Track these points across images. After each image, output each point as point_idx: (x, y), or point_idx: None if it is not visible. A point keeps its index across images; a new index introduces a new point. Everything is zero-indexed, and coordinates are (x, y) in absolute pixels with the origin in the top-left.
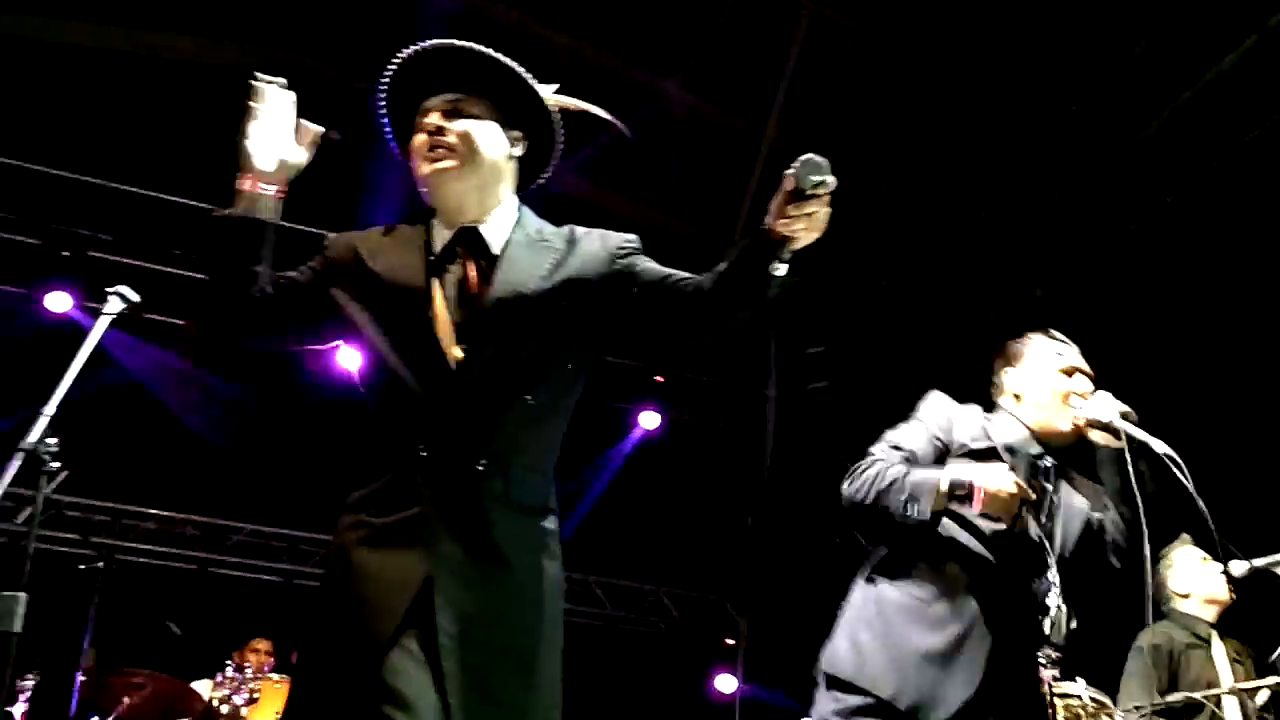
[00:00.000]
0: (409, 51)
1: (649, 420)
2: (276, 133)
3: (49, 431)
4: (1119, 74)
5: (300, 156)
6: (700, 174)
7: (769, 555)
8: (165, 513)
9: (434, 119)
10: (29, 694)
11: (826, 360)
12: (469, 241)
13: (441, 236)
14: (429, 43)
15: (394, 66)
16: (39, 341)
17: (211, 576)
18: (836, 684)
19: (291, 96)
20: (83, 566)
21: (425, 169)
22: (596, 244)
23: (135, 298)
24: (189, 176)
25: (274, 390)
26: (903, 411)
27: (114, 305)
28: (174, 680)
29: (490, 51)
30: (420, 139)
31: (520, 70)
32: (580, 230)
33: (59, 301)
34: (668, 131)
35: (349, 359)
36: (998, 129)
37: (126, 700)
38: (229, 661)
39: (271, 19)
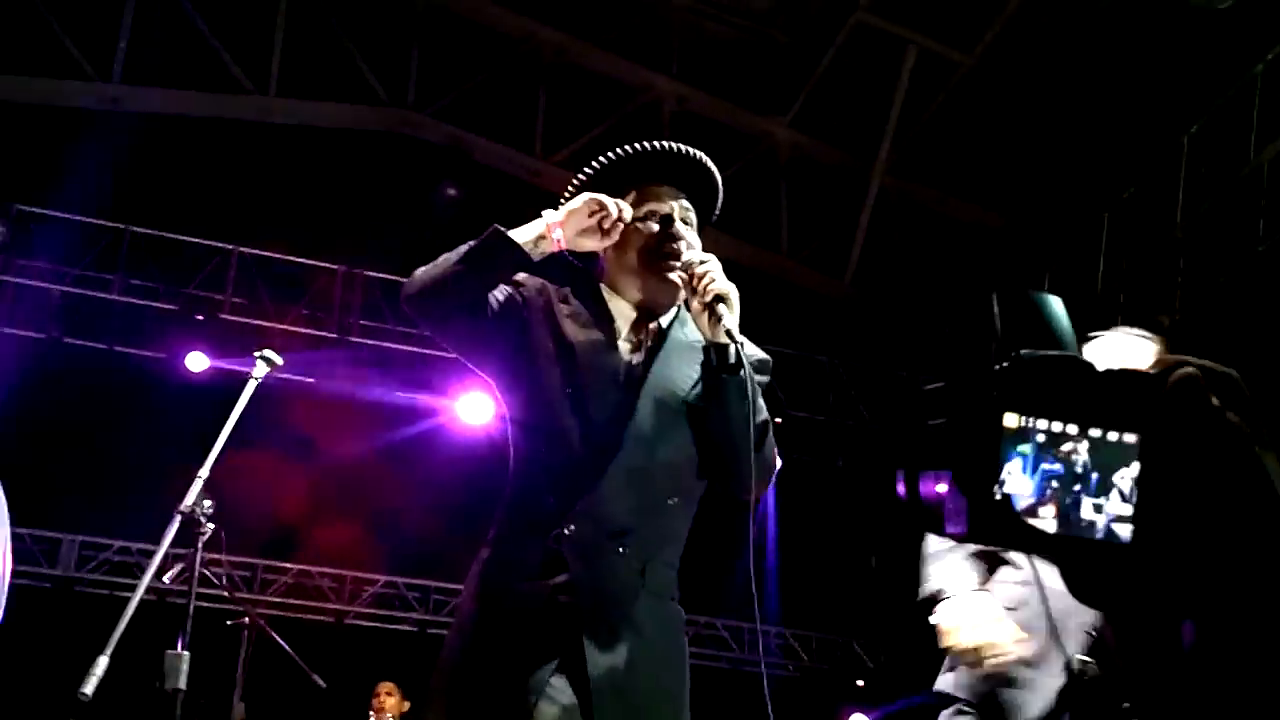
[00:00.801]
0: (650, 146)
1: None
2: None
3: (204, 494)
4: (1240, 95)
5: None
6: (810, 213)
7: (895, 595)
8: (301, 566)
9: (683, 228)
10: None
11: (945, 396)
12: (647, 332)
13: (622, 318)
14: (683, 148)
15: (625, 153)
16: (180, 402)
17: (347, 628)
18: None
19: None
20: (230, 622)
21: (663, 273)
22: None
23: (279, 360)
24: (317, 238)
25: (405, 447)
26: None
27: (260, 369)
28: None
29: (713, 167)
30: (664, 241)
31: (720, 193)
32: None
33: (197, 363)
34: (775, 172)
35: (471, 415)
36: (1116, 156)
37: None
38: (371, 713)
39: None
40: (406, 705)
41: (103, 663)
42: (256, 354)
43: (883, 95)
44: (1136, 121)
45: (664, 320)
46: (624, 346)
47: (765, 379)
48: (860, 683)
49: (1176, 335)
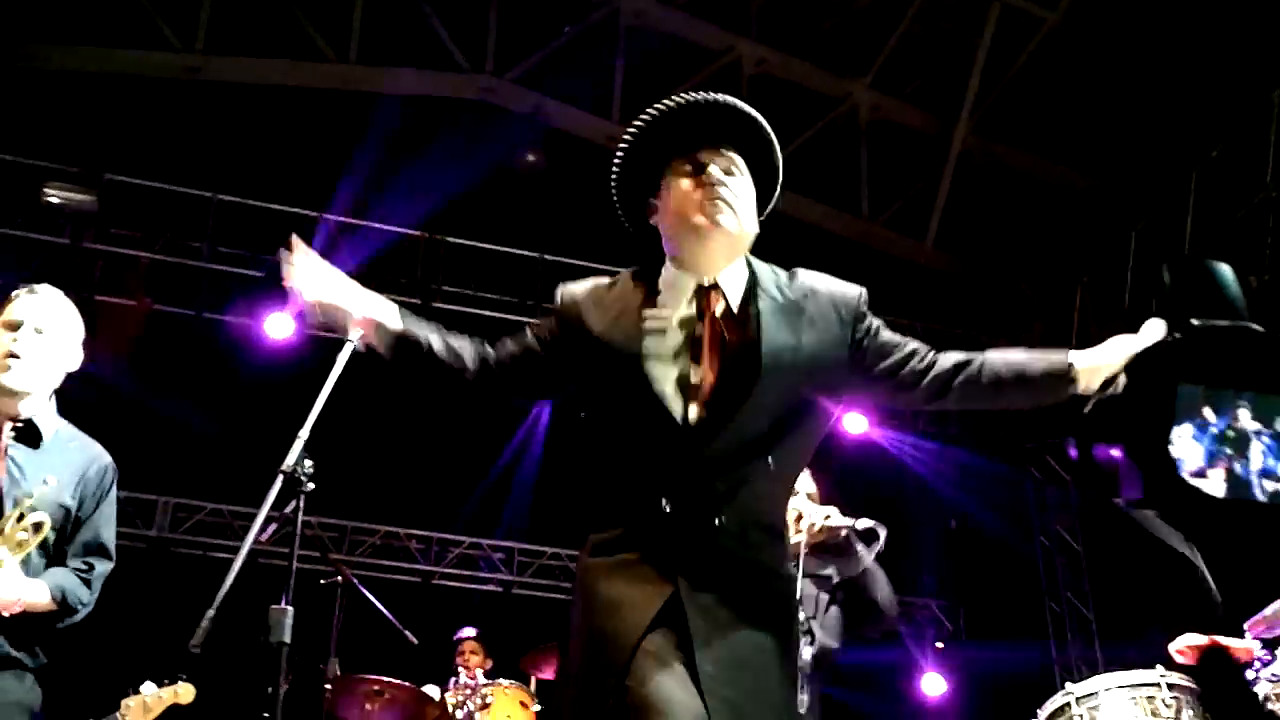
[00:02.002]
0: (680, 100)
1: (855, 425)
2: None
3: (304, 454)
4: None
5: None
6: (891, 176)
7: (975, 556)
8: (390, 528)
9: (716, 173)
10: (276, 702)
11: None
12: (712, 299)
13: (679, 291)
14: (703, 95)
15: (658, 111)
16: (267, 368)
17: (435, 588)
18: None
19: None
20: (323, 581)
21: (699, 219)
22: (828, 306)
23: None
24: (398, 205)
25: (487, 412)
26: (1108, 409)
27: (356, 333)
28: (410, 687)
29: (757, 115)
30: (697, 190)
31: (772, 137)
32: (809, 282)
33: (280, 327)
34: (856, 134)
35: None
36: (1204, 114)
37: (368, 706)
38: (459, 669)
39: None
40: (489, 663)
41: (209, 617)
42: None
43: (965, 54)
44: (1224, 78)
45: (732, 281)
46: (687, 317)
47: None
48: (940, 644)
49: (1266, 295)
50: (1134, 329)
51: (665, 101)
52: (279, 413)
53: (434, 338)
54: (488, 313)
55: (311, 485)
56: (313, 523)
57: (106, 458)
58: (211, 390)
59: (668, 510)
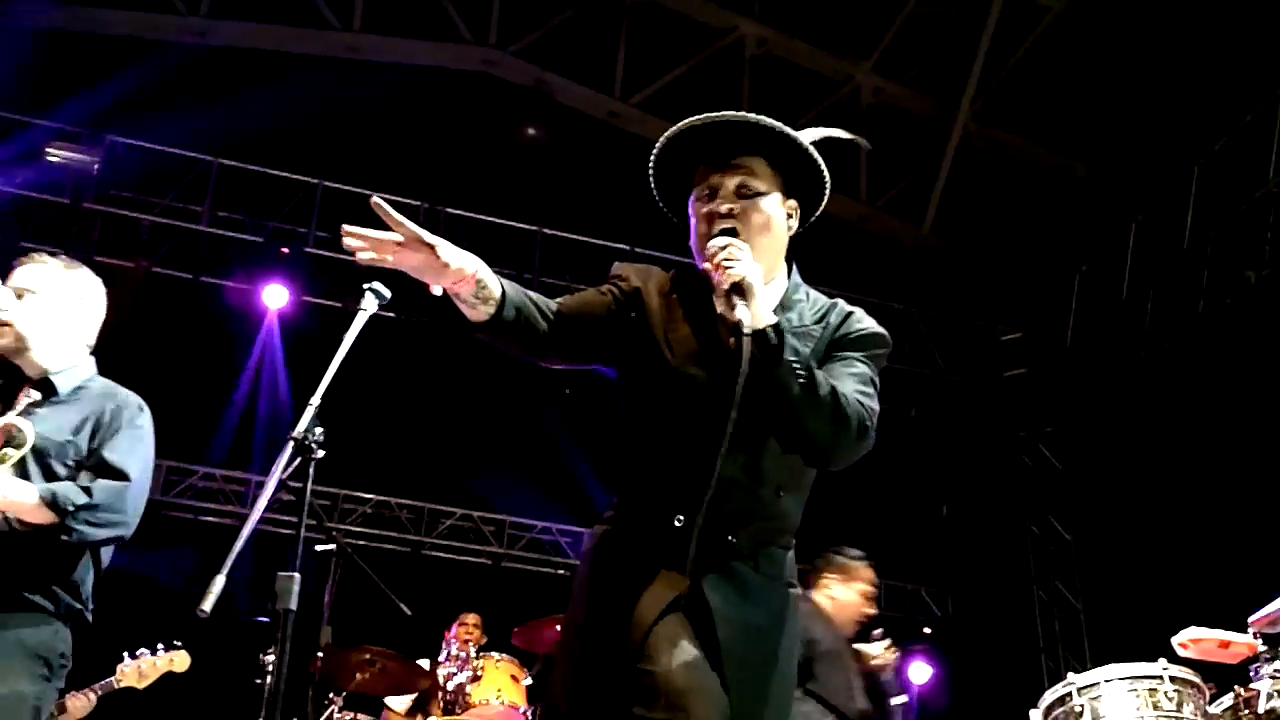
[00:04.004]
0: (699, 119)
1: None
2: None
3: (315, 421)
4: None
5: (422, 236)
6: (891, 159)
7: (965, 543)
8: (381, 497)
9: (725, 202)
10: (271, 669)
11: (1023, 347)
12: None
13: (714, 302)
14: (723, 115)
15: (678, 130)
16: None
17: (424, 559)
18: None
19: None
20: (319, 549)
21: (707, 264)
22: (843, 333)
23: (388, 294)
24: (399, 174)
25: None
26: (1101, 398)
27: (370, 301)
28: (401, 657)
29: (781, 127)
30: (704, 222)
31: (805, 142)
32: (840, 315)
33: (276, 297)
34: (857, 116)
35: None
36: (1206, 105)
37: (359, 675)
38: (451, 639)
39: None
40: (484, 639)
41: (220, 581)
42: (366, 286)
43: (968, 40)
44: (1229, 71)
45: (766, 298)
46: (711, 334)
47: (875, 353)
48: (928, 630)
49: (1264, 290)
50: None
51: (697, 118)
52: (274, 379)
53: (519, 294)
54: None
55: (322, 452)
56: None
57: (132, 399)
58: (208, 354)
59: (678, 525)
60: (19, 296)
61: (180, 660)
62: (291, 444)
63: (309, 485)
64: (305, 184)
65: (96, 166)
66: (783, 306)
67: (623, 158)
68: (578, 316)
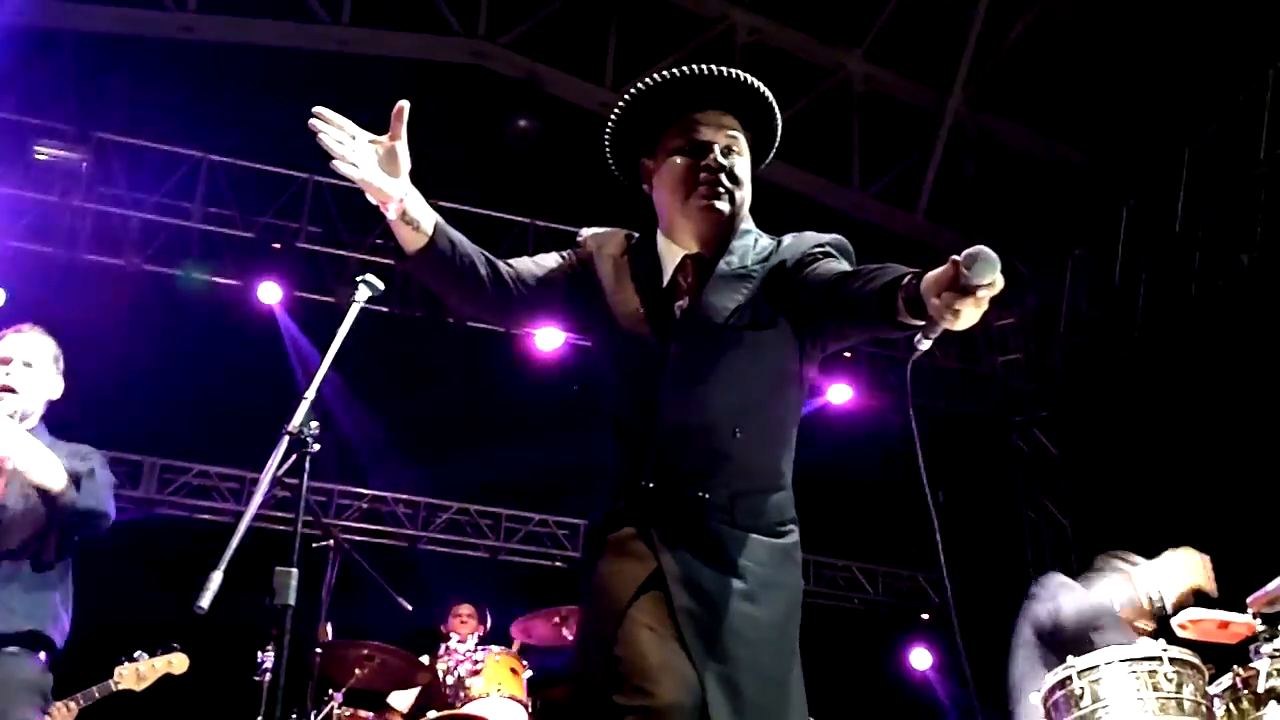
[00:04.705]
0: (685, 70)
1: (839, 395)
2: (365, 152)
3: (310, 416)
4: None
5: (398, 151)
6: (883, 147)
7: (961, 529)
8: (375, 492)
9: (718, 156)
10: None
11: (1018, 333)
12: (692, 271)
13: (671, 263)
14: (707, 66)
15: (660, 79)
16: (257, 329)
17: (420, 553)
18: None
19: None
20: (315, 545)
21: (698, 203)
22: (789, 254)
23: (381, 286)
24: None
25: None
26: (1096, 384)
27: (363, 293)
28: (401, 651)
29: (764, 89)
30: (697, 172)
31: (775, 107)
32: (788, 239)
33: (270, 294)
34: (849, 104)
35: (545, 342)
36: (1198, 90)
37: (359, 671)
38: (450, 634)
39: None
40: (482, 629)
41: (217, 578)
42: (359, 279)
43: (959, 27)
44: (1219, 54)
45: (717, 254)
46: (671, 294)
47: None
48: (925, 616)
49: (1257, 273)
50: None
51: (667, 71)
52: (268, 374)
53: (461, 238)
54: None
55: (317, 446)
56: (293, 485)
57: (94, 452)
58: (200, 352)
59: (651, 487)
60: (26, 366)
61: (178, 662)
62: (286, 439)
63: (305, 480)
64: (296, 179)
65: (85, 164)
66: (729, 254)
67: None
68: (529, 274)
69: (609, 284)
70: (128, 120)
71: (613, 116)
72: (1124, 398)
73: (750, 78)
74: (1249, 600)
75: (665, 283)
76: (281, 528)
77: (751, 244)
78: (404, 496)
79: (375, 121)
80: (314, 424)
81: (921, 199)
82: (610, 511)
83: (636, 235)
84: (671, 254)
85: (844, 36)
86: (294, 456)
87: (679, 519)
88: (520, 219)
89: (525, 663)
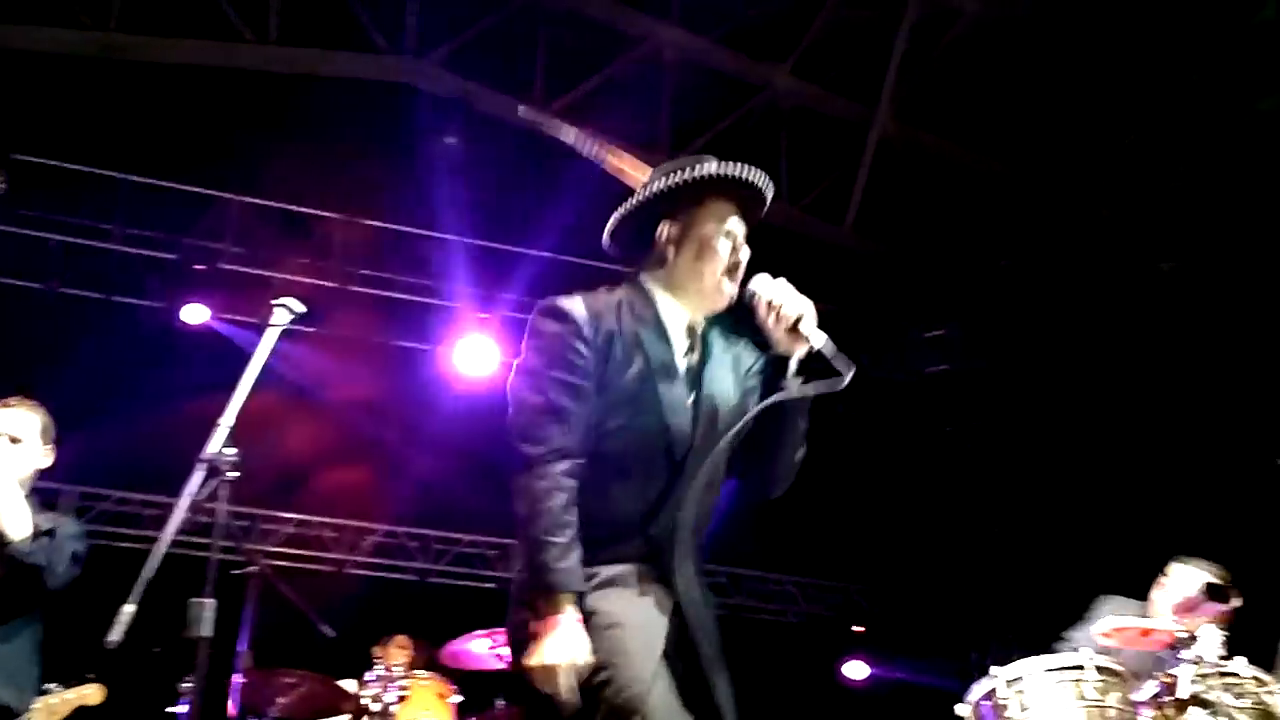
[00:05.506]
0: (734, 169)
1: None
2: None
3: (228, 442)
4: (1240, 43)
5: None
6: (812, 160)
7: (894, 542)
8: (302, 516)
9: (746, 251)
10: (189, 696)
11: (946, 344)
12: (695, 338)
13: (677, 322)
14: (758, 175)
15: (722, 174)
16: (178, 353)
17: (348, 577)
18: None
19: None
20: (235, 572)
21: (726, 286)
22: (754, 357)
23: (301, 308)
24: (317, 187)
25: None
26: (1024, 394)
27: (281, 317)
28: (326, 679)
29: (770, 189)
30: (728, 259)
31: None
32: (745, 339)
33: (195, 315)
34: (777, 119)
35: (472, 364)
36: (1118, 105)
37: (281, 700)
38: (376, 660)
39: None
40: (415, 658)
41: (129, 610)
42: (275, 302)
43: (885, 42)
44: (1139, 67)
45: (702, 323)
46: (679, 350)
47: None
48: (859, 629)
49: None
50: (1048, 317)
51: (734, 168)
52: (191, 398)
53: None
54: (406, 296)
55: (235, 474)
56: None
57: (72, 523)
58: (120, 376)
59: (658, 535)
60: (13, 441)
61: (94, 694)
62: (202, 466)
63: (223, 506)
64: (219, 199)
65: (3, 187)
66: (716, 329)
67: (543, 164)
68: (581, 423)
69: (620, 356)
70: (46, 142)
71: (668, 184)
72: (1052, 408)
73: (768, 186)
74: (1170, 608)
75: (676, 338)
76: (203, 554)
77: (728, 319)
78: (331, 520)
79: (305, 139)
80: (231, 450)
81: (850, 212)
82: (613, 548)
83: (619, 293)
84: (669, 310)
85: (771, 53)
86: (212, 483)
87: (680, 557)
88: (450, 236)
89: (454, 688)
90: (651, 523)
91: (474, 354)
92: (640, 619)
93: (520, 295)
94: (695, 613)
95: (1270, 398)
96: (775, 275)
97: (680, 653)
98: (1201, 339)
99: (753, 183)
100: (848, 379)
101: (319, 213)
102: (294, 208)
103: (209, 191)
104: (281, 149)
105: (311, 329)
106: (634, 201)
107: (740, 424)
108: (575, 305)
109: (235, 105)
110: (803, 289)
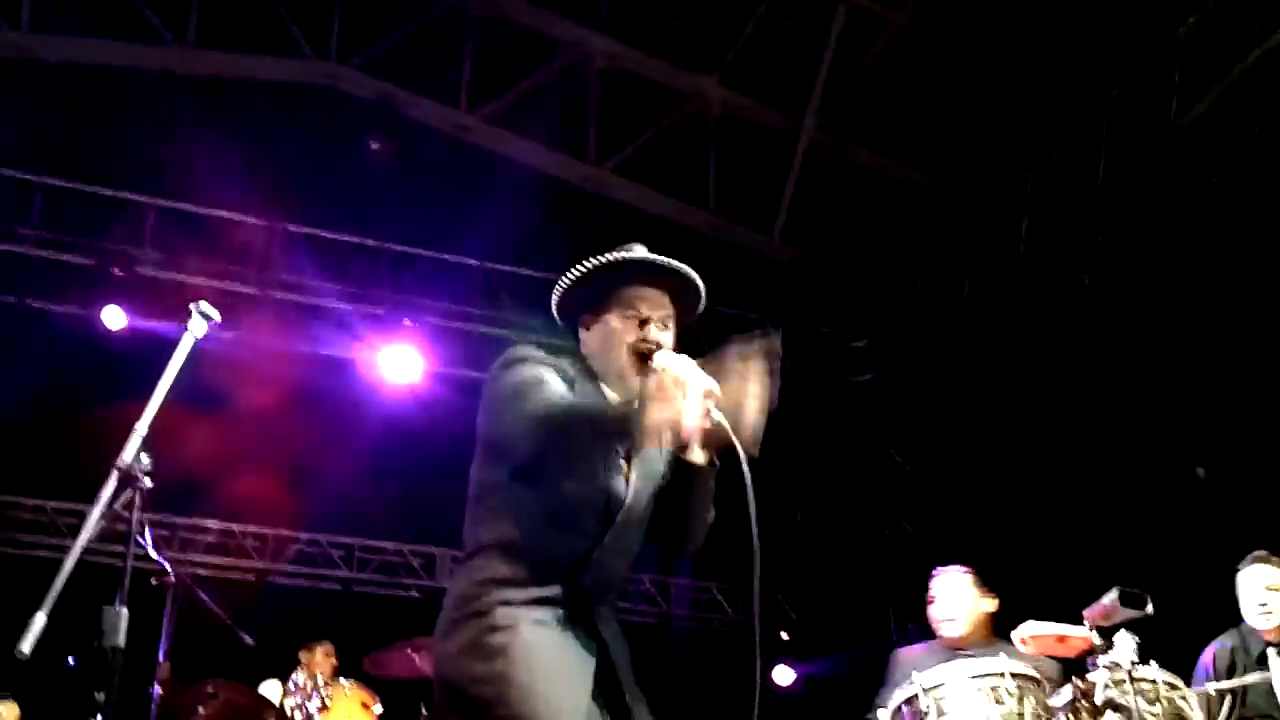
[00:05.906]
0: (642, 256)
1: None
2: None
3: (142, 449)
4: (1162, 57)
5: None
6: (740, 170)
7: (818, 549)
8: (226, 524)
9: (655, 331)
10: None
11: (870, 354)
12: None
13: (613, 397)
14: (675, 264)
15: (623, 259)
16: (95, 359)
17: (271, 585)
18: None
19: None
20: (154, 581)
21: (631, 372)
22: None
23: (216, 314)
24: (238, 192)
25: (327, 403)
26: (947, 403)
27: (198, 322)
28: (246, 688)
29: (697, 279)
30: (635, 340)
31: (703, 296)
32: None
33: (114, 319)
34: (705, 129)
35: (396, 372)
36: (1040, 117)
37: (201, 710)
38: (300, 667)
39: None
40: (337, 664)
41: (40, 620)
42: (193, 306)
43: (813, 52)
44: (1060, 81)
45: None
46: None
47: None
48: (784, 635)
49: (1096, 294)
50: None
51: (636, 255)
52: (108, 405)
53: None
54: (327, 302)
55: (149, 482)
56: (144, 519)
57: None
58: (37, 382)
59: (589, 585)
60: None
61: (8, 711)
62: (116, 473)
63: (136, 515)
64: (137, 203)
65: None
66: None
67: (470, 171)
68: None
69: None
70: None
71: (572, 276)
72: (974, 417)
73: (693, 276)
74: (1085, 614)
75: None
76: (119, 563)
77: None
78: (252, 529)
79: (227, 144)
80: (145, 458)
81: (778, 221)
82: (540, 595)
83: (564, 360)
84: (612, 392)
85: (700, 62)
86: (127, 491)
87: (606, 611)
88: (376, 243)
89: (377, 696)
90: (581, 574)
91: (398, 362)
92: (559, 651)
93: (446, 302)
94: (616, 645)
95: (1190, 408)
96: (703, 282)
97: (603, 687)
98: (1122, 351)
99: (667, 269)
100: (748, 456)
101: (241, 217)
102: (215, 212)
103: (127, 195)
104: (201, 152)
105: (231, 335)
106: (559, 290)
107: (654, 489)
108: (535, 353)
109: (153, 108)
110: (730, 297)
